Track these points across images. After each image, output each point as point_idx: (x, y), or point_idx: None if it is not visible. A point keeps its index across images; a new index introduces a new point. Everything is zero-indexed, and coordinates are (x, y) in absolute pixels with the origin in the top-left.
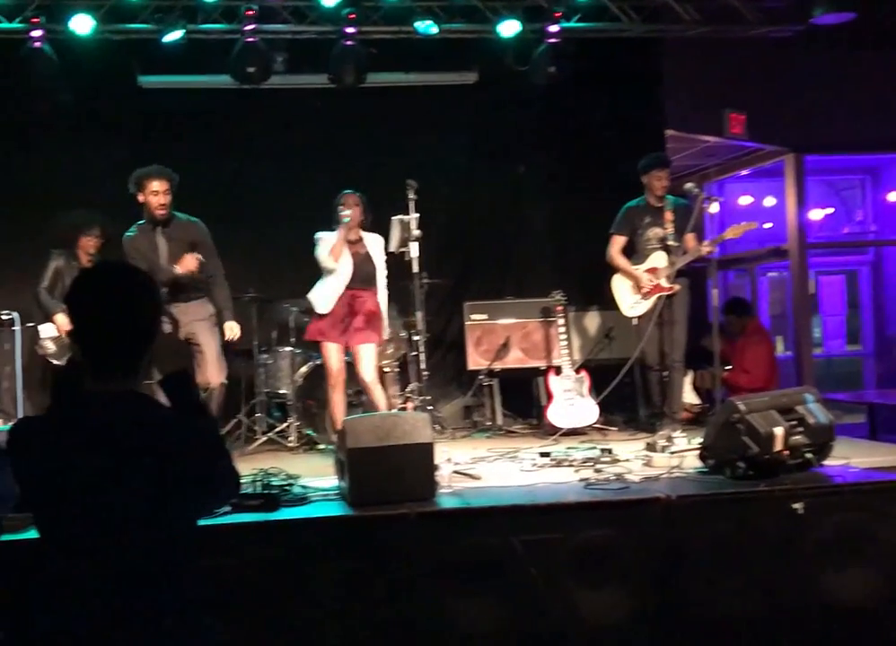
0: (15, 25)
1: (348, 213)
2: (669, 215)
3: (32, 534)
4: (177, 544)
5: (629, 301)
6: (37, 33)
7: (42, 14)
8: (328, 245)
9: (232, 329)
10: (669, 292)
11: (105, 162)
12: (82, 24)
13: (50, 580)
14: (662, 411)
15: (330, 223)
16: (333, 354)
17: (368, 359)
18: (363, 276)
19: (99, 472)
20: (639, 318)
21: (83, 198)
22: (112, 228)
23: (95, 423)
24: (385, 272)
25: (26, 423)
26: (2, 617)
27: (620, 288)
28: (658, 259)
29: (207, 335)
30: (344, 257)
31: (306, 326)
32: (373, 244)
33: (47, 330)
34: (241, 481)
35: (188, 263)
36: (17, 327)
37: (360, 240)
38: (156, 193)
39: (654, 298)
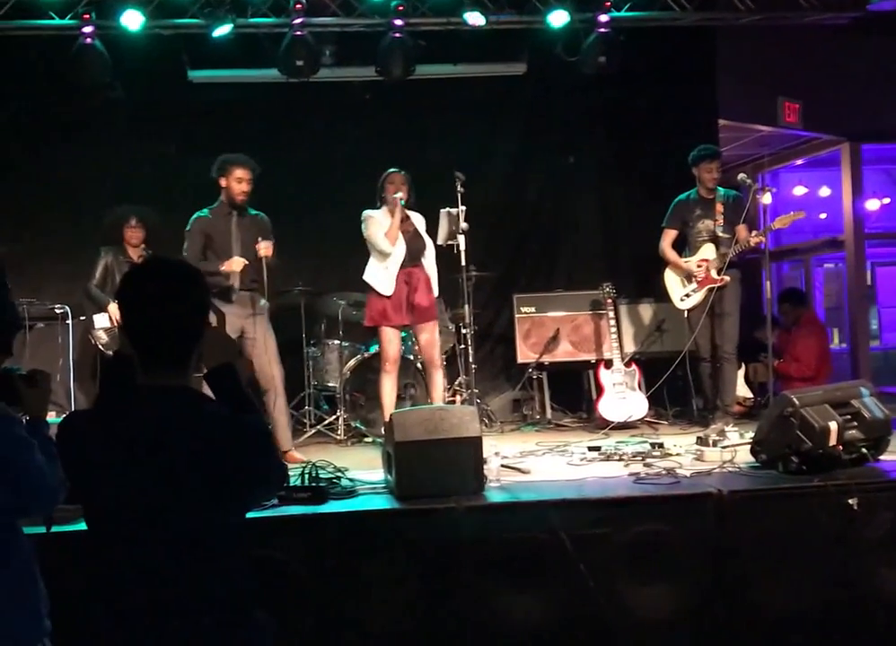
0: (67, 22)
1: (401, 195)
2: (719, 207)
3: (82, 525)
4: (225, 537)
5: (680, 293)
6: (88, 29)
7: (93, 11)
8: (379, 226)
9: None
10: (719, 285)
11: (155, 157)
12: (132, 20)
13: (101, 572)
14: (714, 404)
15: (375, 201)
16: (393, 340)
17: (432, 336)
18: (414, 254)
19: (147, 466)
20: (690, 310)
21: (134, 193)
22: (157, 219)
23: (144, 418)
24: (433, 249)
25: (76, 417)
26: (53, 608)
27: (672, 280)
28: (708, 251)
29: (268, 330)
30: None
31: (365, 310)
32: (419, 222)
33: (101, 321)
34: (289, 473)
35: (268, 248)
36: (69, 321)
37: (408, 217)
38: (240, 180)
39: (704, 290)
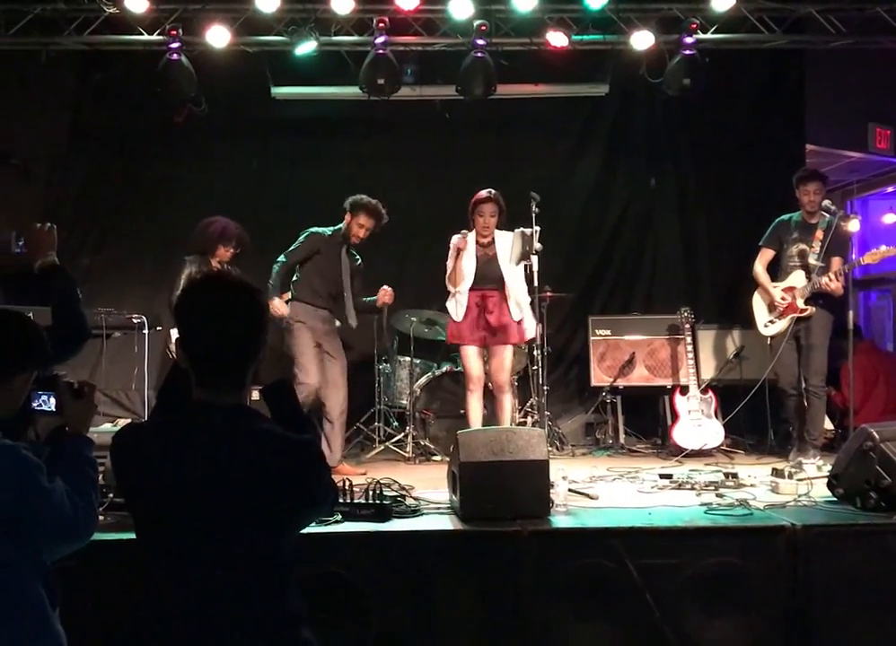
0: (155, 37)
1: (462, 242)
2: (819, 234)
3: (129, 534)
4: (275, 556)
5: (765, 319)
6: (174, 45)
7: (180, 27)
8: (451, 258)
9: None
10: (801, 315)
11: (236, 171)
12: (217, 36)
13: (148, 585)
14: (800, 435)
15: (466, 222)
16: (472, 358)
17: (501, 360)
18: (488, 278)
19: (199, 483)
20: (772, 337)
21: (213, 206)
22: (249, 239)
23: (198, 434)
24: (520, 269)
25: (131, 430)
26: (99, 617)
27: (758, 304)
28: (797, 278)
29: (341, 349)
30: (468, 259)
31: (447, 328)
32: (503, 242)
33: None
34: (355, 490)
35: (388, 298)
36: (146, 331)
37: (492, 243)
38: (362, 227)
39: (788, 318)
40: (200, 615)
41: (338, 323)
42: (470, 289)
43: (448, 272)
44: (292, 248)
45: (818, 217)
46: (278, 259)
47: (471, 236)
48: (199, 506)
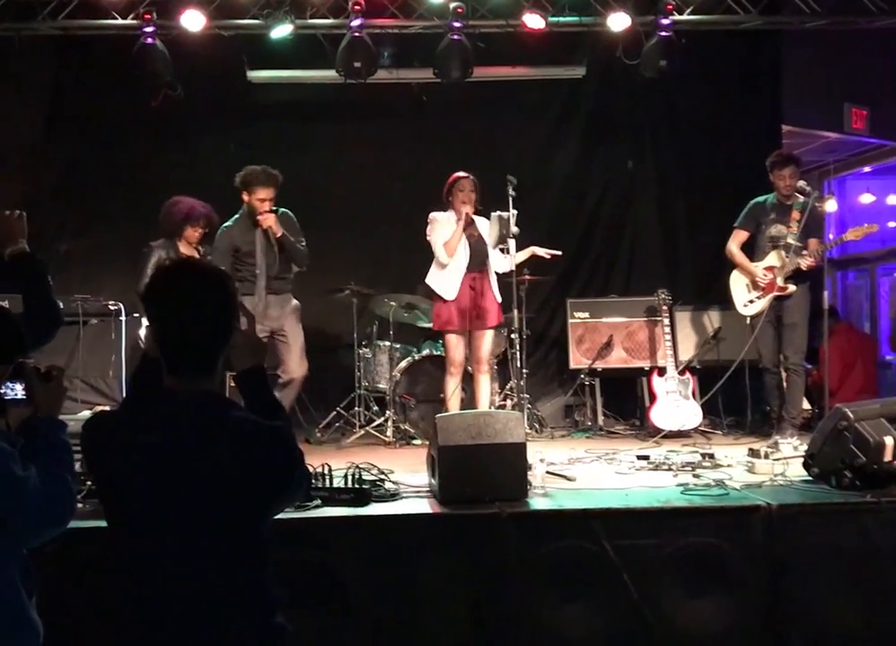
0: (129, 22)
1: (467, 209)
2: (795, 215)
3: (101, 523)
4: (251, 543)
5: (744, 298)
6: (149, 29)
7: (154, 11)
8: (443, 232)
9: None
10: (782, 294)
11: (214, 155)
12: (192, 20)
13: (122, 573)
14: (780, 415)
15: (443, 204)
16: (458, 345)
17: (487, 343)
18: (479, 260)
19: (171, 470)
20: (753, 317)
21: (192, 190)
22: (218, 218)
23: (170, 422)
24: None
25: (102, 418)
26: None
27: (737, 285)
28: (776, 258)
29: (295, 328)
30: (461, 242)
31: (432, 314)
32: (483, 225)
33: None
34: (333, 474)
35: (266, 218)
36: (123, 318)
37: (473, 222)
38: (264, 200)
39: (768, 297)
40: (174, 602)
41: (295, 303)
42: (465, 272)
43: (444, 241)
44: (211, 258)
45: (793, 198)
46: None
47: (451, 216)
48: (171, 494)
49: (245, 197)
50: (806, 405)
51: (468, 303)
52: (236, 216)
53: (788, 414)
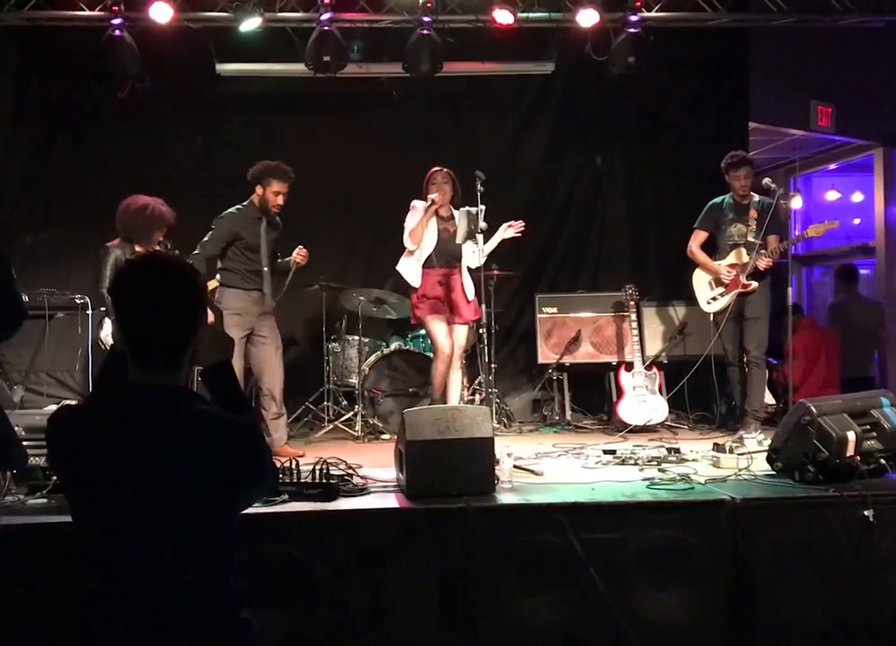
0: (96, 13)
1: (434, 197)
2: (753, 213)
3: (66, 518)
4: (216, 538)
5: (707, 295)
6: (117, 21)
7: (122, 2)
8: (415, 218)
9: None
10: (745, 290)
11: (181, 147)
12: (161, 13)
13: (88, 568)
14: (743, 409)
15: (423, 195)
16: (445, 332)
17: (461, 338)
18: (449, 254)
19: (137, 465)
20: (717, 313)
21: (159, 183)
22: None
23: (136, 416)
24: (472, 248)
25: (67, 412)
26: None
27: (700, 283)
28: (738, 256)
29: (275, 329)
30: (429, 232)
31: (410, 308)
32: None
33: (109, 327)
34: (301, 469)
35: (301, 258)
36: (89, 311)
37: (451, 217)
38: (279, 193)
39: (732, 294)
40: (139, 597)
41: (272, 303)
42: (434, 266)
43: (412, 228)
44: (206, 238)
45: (749, 197)
46: (194, 253)
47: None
48: (137, 488)
49: (259, 191)
50: (771, 399)
51: (442, 298)
52: (240, 206)
53: (751, 407)
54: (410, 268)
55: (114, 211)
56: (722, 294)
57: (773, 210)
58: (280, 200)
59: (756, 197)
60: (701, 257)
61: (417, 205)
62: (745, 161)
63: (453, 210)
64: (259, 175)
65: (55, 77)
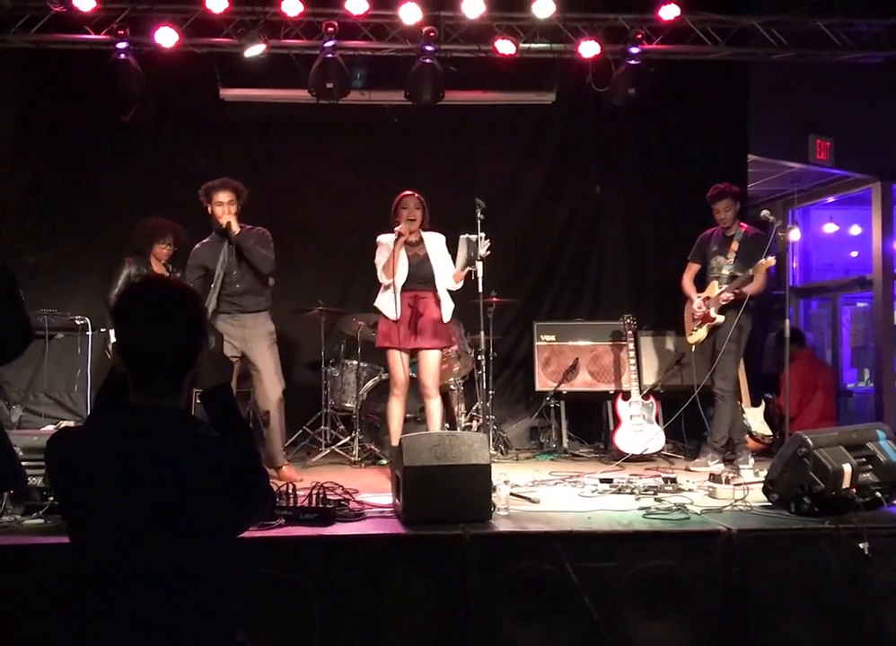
0: (102, 37)
1: (403, 228)
2: (734, 245)
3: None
4: (214, 561)
5: (690, 327)
6: (122, 45)
7: (127, 26)
8: (384, 254)
9: None
10: (712, 324)
11: (185, 172)
12: (166, 37)
13: (84, 589)
14: (704, 438)
15: (390, 226)
16: (397, 363)
17: (430, 365)
18: (420, 278)
19: (134, 488)
20: (694, 344)
21: (163, 207)
22: (188, 237)
23: (135, 439)
24: (449, 270)
25: (66, 434)
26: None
27: (687, 314)
28: (711, 289)
29: (266, 353)
30: (400, 259)
31: (376, 333)
32: (433, 243)
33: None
34: (298, 494)
35: (228, 215)
36: (89, 332)
37: (420, 241)
38: (221, 204)
39: (705, 327)
40: (136, 620)
41: (267, 326)
42: (403, 290)
43: (383, 263)
44: (180, 274)
45: (734, 229)
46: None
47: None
48: (135, 511)
49: (209, 209)
50: (768, 431)
51: (406, 321)
52: (203, 241)
53: (712, 438)
54: (388, 301)
55: (116, 233)
56: (698, 327)
57: (756, 241)
58: (227, 210)
59: (741, 230)
60: (687, 289)
61: (383, 241)
62: (724, 194)
63: (423, 234)
64: (203, 194)
65: (59, 99)
